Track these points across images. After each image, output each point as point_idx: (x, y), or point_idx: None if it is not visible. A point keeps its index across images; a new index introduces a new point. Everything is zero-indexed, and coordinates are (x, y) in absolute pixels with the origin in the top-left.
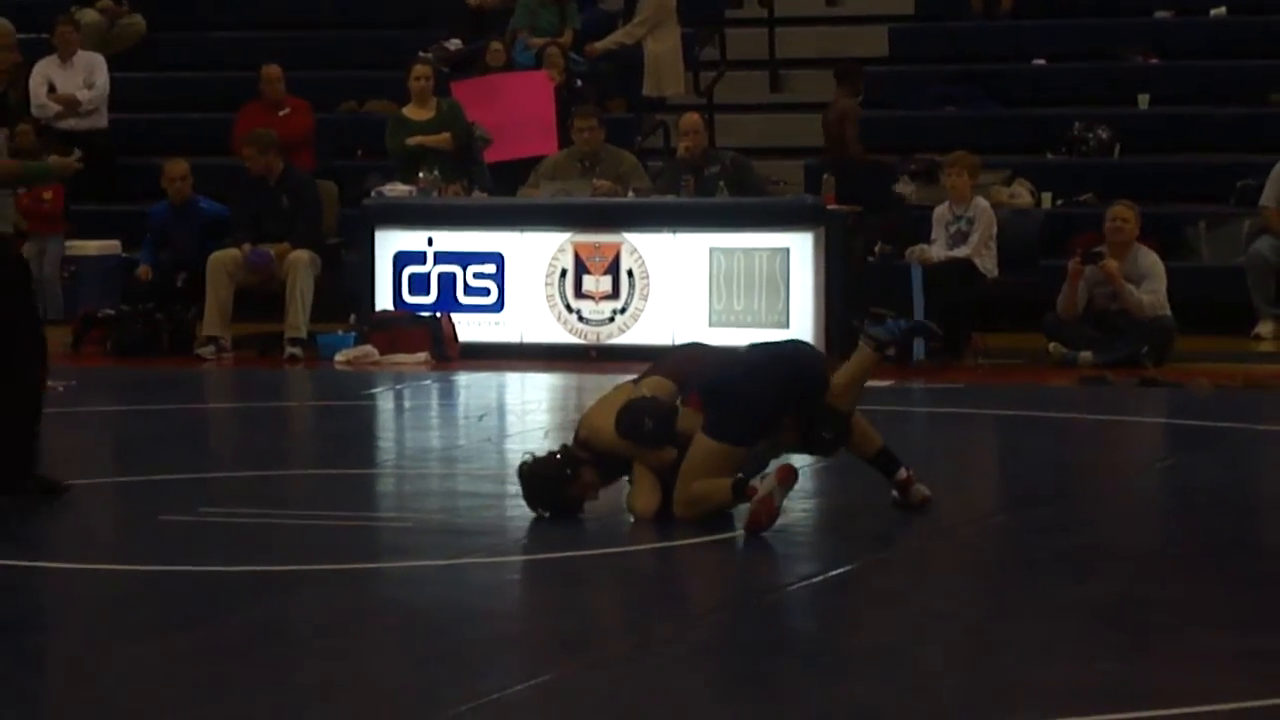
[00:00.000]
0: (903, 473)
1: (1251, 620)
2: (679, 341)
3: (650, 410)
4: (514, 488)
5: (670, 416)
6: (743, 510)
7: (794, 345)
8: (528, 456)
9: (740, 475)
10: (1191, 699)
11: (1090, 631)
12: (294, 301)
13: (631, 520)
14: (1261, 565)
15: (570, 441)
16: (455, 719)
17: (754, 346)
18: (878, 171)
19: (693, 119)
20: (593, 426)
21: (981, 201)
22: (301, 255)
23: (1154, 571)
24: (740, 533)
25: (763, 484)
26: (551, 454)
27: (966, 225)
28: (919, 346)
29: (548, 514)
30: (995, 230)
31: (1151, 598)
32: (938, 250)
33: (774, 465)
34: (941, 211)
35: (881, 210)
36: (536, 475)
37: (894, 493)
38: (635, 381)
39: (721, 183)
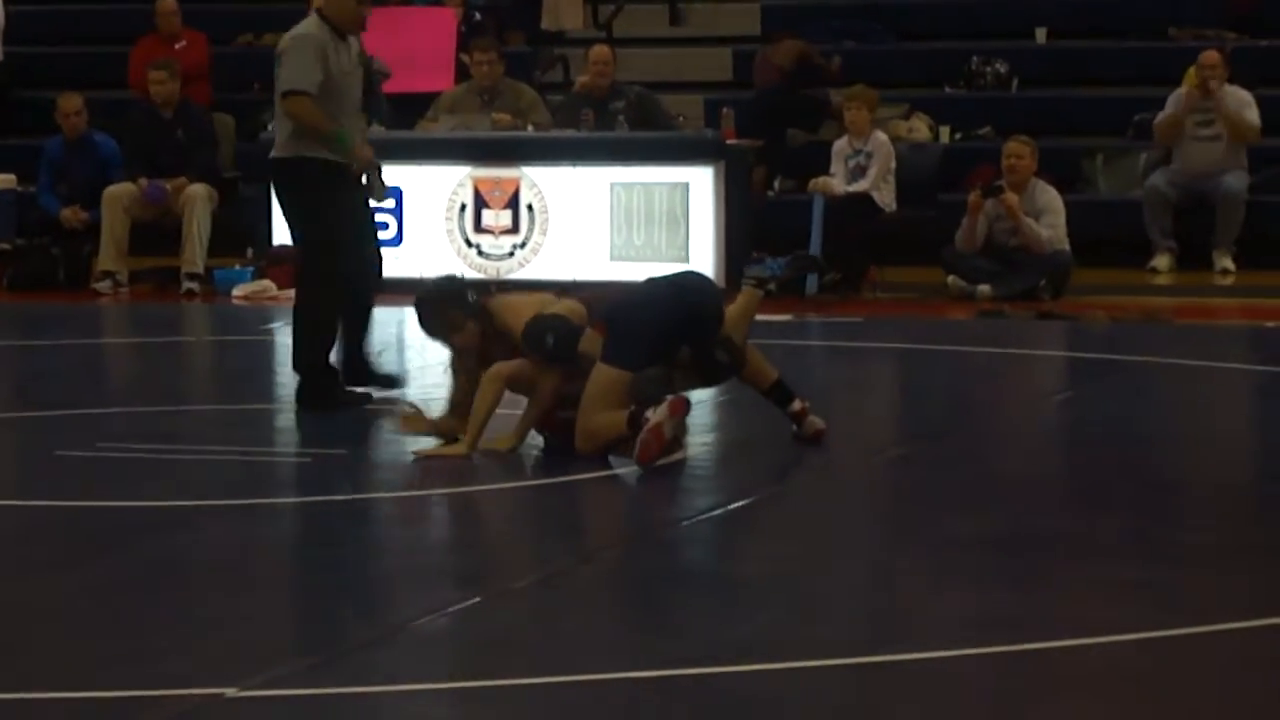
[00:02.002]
0: (797, 404)
1: (1150, 552)
2: (578, 277)
3: (555, 327)
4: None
5: (573, 337)
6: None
7: (691, 275)
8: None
9: (635, 408)
10: (1090, 630)
11: (988, 563)
12: (190, 236)
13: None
14: (1158, 496)
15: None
16: (356, 651)
17: (653, 278)
18: (807, 99)
19: (603, 51)
20: (506, 302)
21: (880, 135)
22: (198, 189)
23: (1051, 503)
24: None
25: (654, 414)
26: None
27: (865, 159)
28: (811, 280)
29: (432, 338)
30: (893, 164)
31: (1049, 529)
32: (837, 184)
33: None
34: (841, 146)
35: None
36: (430, 295)
37: (793, 426)
38: (556, 297)
39: (621, 117)
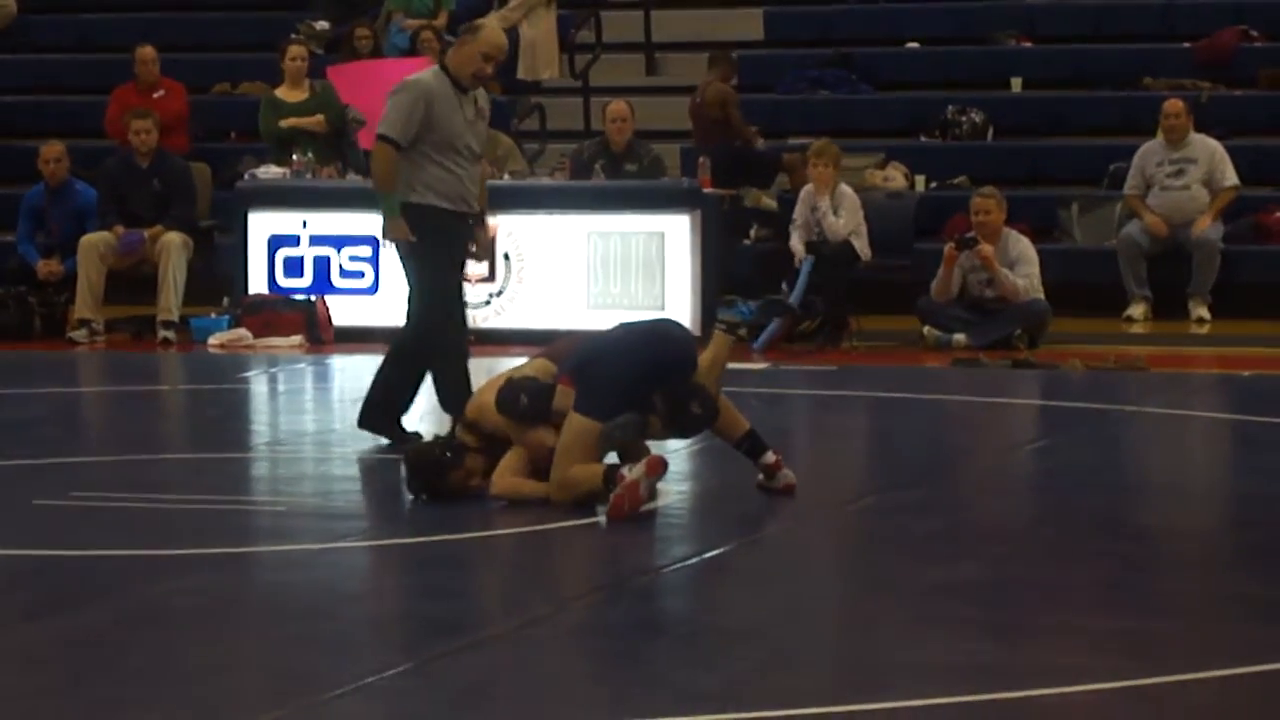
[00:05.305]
0: (770, 456)
1: (1123, 600)
2: (556, 326)
3: (525, 388)
4: (388, 472)
5: (546, 394)
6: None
7: (664, 323)
8: (416, 440)
9: (612, 464)
10: (1063, 679)
11: (962, 612)
12: (166, 284)
13: (492, 497)
14: (1132, 545)
15: (458, 423)
16: (333, 700)
17: (623, 325)
18: (759, 155)
19: (620, 108)
20: (479, 405)
21: (845, 188)
22: (174, 238)
23: (1026, 552)
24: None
25: (632, 471)
26: (436, 438)
27: (831, 211)
28: (772, 326)
29: (425, 498)
30: (862, 213)
31: (1023, 578)
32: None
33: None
34: (806, 193)
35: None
36: (418, 459)
37: (760, 476)
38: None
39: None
